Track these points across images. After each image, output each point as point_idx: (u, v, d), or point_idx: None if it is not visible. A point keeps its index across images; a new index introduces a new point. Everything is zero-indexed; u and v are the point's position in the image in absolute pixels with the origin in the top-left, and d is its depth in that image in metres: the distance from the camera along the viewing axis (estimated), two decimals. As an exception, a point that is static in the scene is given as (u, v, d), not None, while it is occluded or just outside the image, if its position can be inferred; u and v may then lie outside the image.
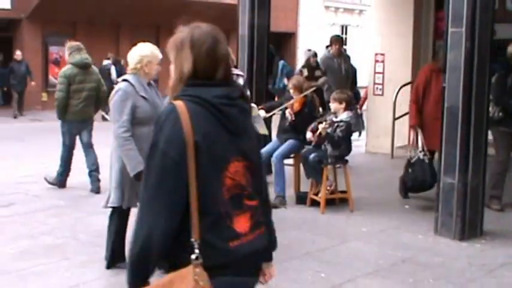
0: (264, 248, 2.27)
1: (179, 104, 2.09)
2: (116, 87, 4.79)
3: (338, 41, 10.06)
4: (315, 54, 9.77)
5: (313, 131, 6.87)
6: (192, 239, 2.06)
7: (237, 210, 2.15)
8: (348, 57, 10.29)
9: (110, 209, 4.91)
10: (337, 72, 9.76)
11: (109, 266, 4.94)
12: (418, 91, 7.18)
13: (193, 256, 2.05)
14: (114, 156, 4.79)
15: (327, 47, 10.30)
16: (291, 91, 7.37)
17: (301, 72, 9.61)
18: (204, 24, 2.21)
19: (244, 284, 2.23)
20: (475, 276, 5.02)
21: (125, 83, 4.75)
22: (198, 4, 21.00)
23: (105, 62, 18.38)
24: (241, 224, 2.15)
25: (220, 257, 2.11)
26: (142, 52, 4.78)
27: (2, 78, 18.39)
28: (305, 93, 7.29)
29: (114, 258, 4.92)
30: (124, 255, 4.83)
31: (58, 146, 8.01)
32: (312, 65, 9.64)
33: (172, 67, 2.21)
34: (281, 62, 17.08)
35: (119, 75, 17.71)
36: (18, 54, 18.04)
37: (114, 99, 4.72)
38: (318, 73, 9.51)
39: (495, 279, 4.97)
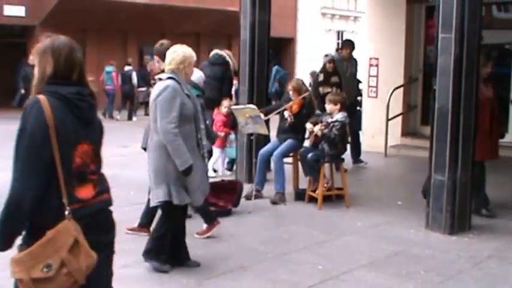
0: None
1: (41, 97, 2.47)
2: (163, 84, 4.57)
3: (349, 45, 9.86)
4: (332, 60, 9.18)
5: (313, 123, 6.94)
6: (64, 200, 2.45)
7: (81, 182, 2.54)
8: (355, 61, 10.20)
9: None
10: (344, 74, 9.62)
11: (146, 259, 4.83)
12: None
13: (66, 212, 2.44)
14: (155, 154, 4.58)
15: (337, 50, 10.15)
16: (290, 93, 7.37)
17: (317, 76, 9.29)
18: (63, 36, 2.62)
19: (98, 242, 2.55)
20: (463, 268, 5.03)
21: (172, 81, 4.56)
22: (202, 11, 20.98)
23: (127, 68, 18.50)
24: (85, 192, 2.55)
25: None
26: (186, 54, 4.67)
27: (22, 80, 18.38)
28: (303, 95, 7.30)
29: (149, 254, 4.81)
30: (156, 254, 4.77)
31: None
32: (328, 71, 9.14)
33: (36, 69, 2.60)
34: (275, 68, 16.81)
35: (140, 79, 17.87)
36: (31, 58, 17.95)
37: (163, 95, 4.49)
38: (334, 79, 9.07)
39: (482, 271, 4.99)
